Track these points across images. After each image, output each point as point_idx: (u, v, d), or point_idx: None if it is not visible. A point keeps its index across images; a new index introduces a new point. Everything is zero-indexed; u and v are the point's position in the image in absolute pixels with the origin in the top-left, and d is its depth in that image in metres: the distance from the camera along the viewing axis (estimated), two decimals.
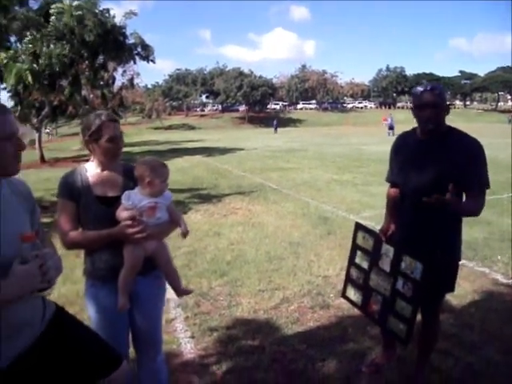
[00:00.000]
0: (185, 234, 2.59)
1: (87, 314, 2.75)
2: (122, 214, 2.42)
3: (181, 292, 2.75)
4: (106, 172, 2.60)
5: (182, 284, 2.79)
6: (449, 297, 4.49)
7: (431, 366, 3.38)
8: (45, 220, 8.22)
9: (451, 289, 3.05)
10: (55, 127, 55.05)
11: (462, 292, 4.72)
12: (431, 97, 2.77)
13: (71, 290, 5.05)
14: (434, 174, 2.81)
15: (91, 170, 2.61)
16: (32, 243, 1.84)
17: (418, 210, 2.91)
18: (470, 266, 5.42)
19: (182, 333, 4.14)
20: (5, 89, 17.33)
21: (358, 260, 3.25)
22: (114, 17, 15.34)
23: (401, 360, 3.52)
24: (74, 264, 5.55)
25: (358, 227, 3.32)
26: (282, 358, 3.66)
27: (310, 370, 3.46)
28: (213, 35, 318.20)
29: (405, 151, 3.08)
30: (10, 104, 23.87)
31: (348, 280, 3.38)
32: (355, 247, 3.30)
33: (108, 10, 15.14)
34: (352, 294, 3.33)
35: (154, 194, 2.48)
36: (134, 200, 2.44)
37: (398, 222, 3.16)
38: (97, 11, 14.46)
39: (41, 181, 14.98)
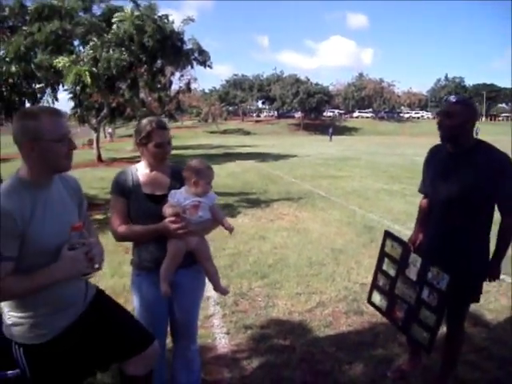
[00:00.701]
0: (230, 230, 2.78)
1: (132, 305, 2.99)
2: (167, 210, 2.64)
3: (219, 289, 2.89)
4: (154, 172, 2.84)
5: (222, 283, 2.95)
6: (484, 311, 4.51)
7: (456, 377, 3.40)
8: (98, 217, 8.71)
9: (476, 299, 3.10)
10: (114, 128, 56.71)
11: (499, 307, 4.70)
12: (448, 107, 2.89)
13: (118, 282, 5.36)
14: (460, 188, 2.88)
15: (141, 169, 2.86)
16: (79, 232, 2.10)
17: (445, 222, 3.00)
18: (509, 281, 5.35)
19: (218, 329, 4.32)
20: (66, 90, 18.04)
21: (385, 267, 3.34)
22: (172, 22, 15.65)
23: (426, 368, 3.57)
24: (122, 259, 5.89)
25: (387, 235, 3.39)
26: (311, 358, 3.78)
27: (336, 372, 3.57)
28: (270, 41, 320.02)
29: (435, 163, 3.16)
30: (69, 105, 24.93)
31: (374, 286, 3.47)
32: (383, 254, 3.38)
33: (167, 16, 15.44)
34: (378, 299, 3.42)
35: (198, 193, 2.69)
36: (179, 198, 2.66)
37: (426, 232, 3.25)
38: (156, 17, 14.83)
39: (96, 179, 15.64)
